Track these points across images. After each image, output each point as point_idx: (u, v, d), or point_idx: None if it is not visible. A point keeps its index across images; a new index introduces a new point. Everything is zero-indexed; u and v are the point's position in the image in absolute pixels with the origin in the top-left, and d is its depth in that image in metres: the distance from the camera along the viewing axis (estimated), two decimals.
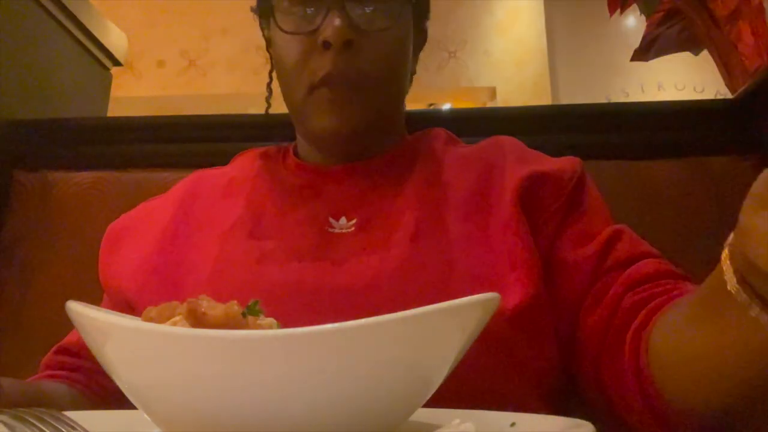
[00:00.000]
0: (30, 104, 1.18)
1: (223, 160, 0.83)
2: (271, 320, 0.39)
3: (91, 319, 0.36)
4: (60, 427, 0.36)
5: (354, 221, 0.68)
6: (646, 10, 1.54)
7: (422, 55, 0.81)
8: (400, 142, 0.78)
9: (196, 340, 0.33)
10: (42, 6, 1.21)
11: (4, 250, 1.01)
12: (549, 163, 0.70)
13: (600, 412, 0.62)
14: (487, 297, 0.35)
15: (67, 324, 0.41)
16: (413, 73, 0.80)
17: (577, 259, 0.65)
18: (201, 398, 0.34)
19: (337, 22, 0.65)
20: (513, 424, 0.39)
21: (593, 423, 0.36)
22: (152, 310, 0.37)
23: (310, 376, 0.32)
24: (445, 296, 0.35)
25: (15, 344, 0.96)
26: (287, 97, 0.73)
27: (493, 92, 4.05)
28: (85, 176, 1.04)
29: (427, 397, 0.38)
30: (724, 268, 0.41)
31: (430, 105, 4.06)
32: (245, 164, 0.79)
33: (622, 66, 3.73)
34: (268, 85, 0.79)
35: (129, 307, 0.68)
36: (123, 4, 3.62)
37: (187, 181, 0.79)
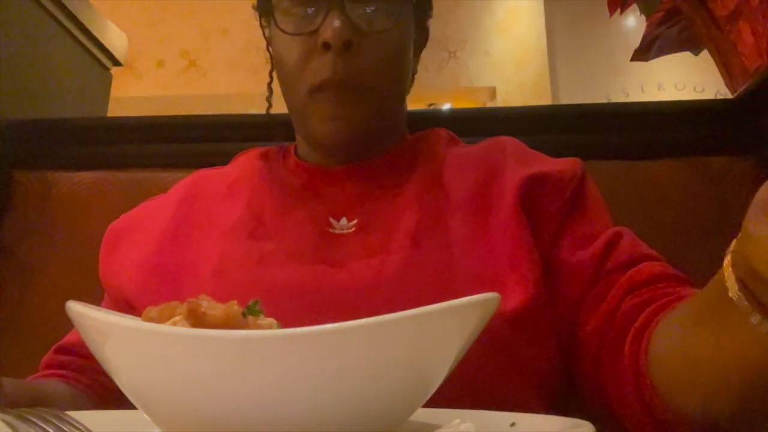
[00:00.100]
0: (30, 104, 1.18)
1: (223, 160, 0.82)
2: (271, 320, 0.39)
3: (91, 319, 0.36)
4: (63, 426, 0.36)
5: (354, 222, 0.68)
6: (646, 10, 1.54)
7: (422, 55, 0.81)
8: (401, 143, 0.78)
9: (196, 340, 0.33)
10: (42, 6, 1.21)
11: (4, 250, 1.01)
12: (550, 164, 0.70)
13: (600, 413, 0.62)
14: (487, 297, 0.35)
15: (67, 324, 0.41)
16: (414, 72, 0.80)
17: (578, 261, 0.65)
18: (201, 398, 0.34)
19: (337, 23, 0.65)
20: (513, 424, 0.39)
21: (593, 423, 0.36)
22: (152, 310, 0.37)
23: (310, 376, 0.32)
24: (446, 297, 0.35)
25: (15, 344, 0.96)
26: (287, 98, 0.72)
27: (493, 92, 4.05)
28: (85, 176, 1.04)
29: (427, 397, 0.38)
30: (726, 274, 0.41)
31: (430, 105, 4.05)
32: (246, 164, 0.79)
33: (622, 66, 3.74)
34: (269, 84, 0.79)
35: (129, 307, 0.68)
36: (123, 4, 3.62)
37: (187, 181, 0.79)
